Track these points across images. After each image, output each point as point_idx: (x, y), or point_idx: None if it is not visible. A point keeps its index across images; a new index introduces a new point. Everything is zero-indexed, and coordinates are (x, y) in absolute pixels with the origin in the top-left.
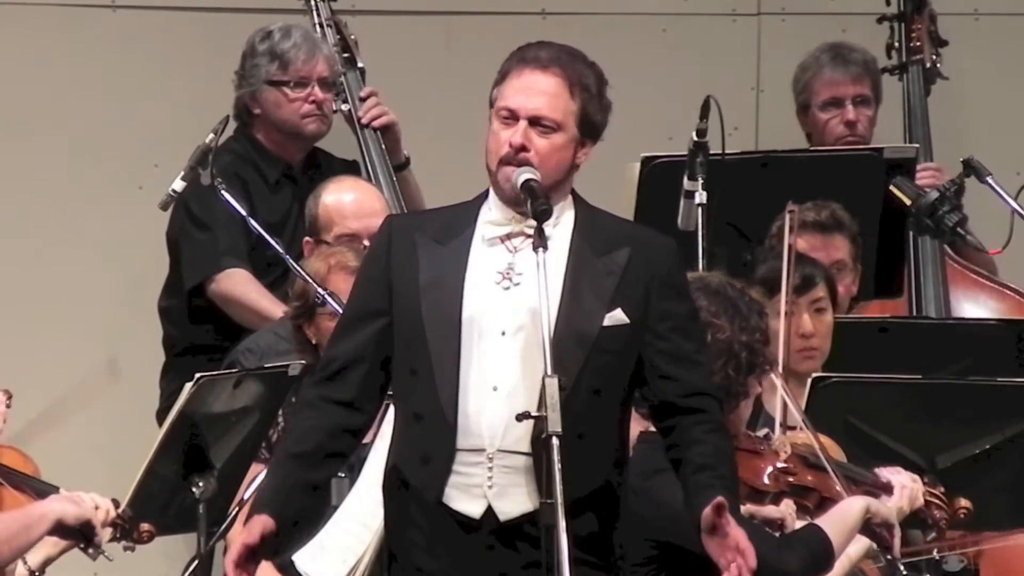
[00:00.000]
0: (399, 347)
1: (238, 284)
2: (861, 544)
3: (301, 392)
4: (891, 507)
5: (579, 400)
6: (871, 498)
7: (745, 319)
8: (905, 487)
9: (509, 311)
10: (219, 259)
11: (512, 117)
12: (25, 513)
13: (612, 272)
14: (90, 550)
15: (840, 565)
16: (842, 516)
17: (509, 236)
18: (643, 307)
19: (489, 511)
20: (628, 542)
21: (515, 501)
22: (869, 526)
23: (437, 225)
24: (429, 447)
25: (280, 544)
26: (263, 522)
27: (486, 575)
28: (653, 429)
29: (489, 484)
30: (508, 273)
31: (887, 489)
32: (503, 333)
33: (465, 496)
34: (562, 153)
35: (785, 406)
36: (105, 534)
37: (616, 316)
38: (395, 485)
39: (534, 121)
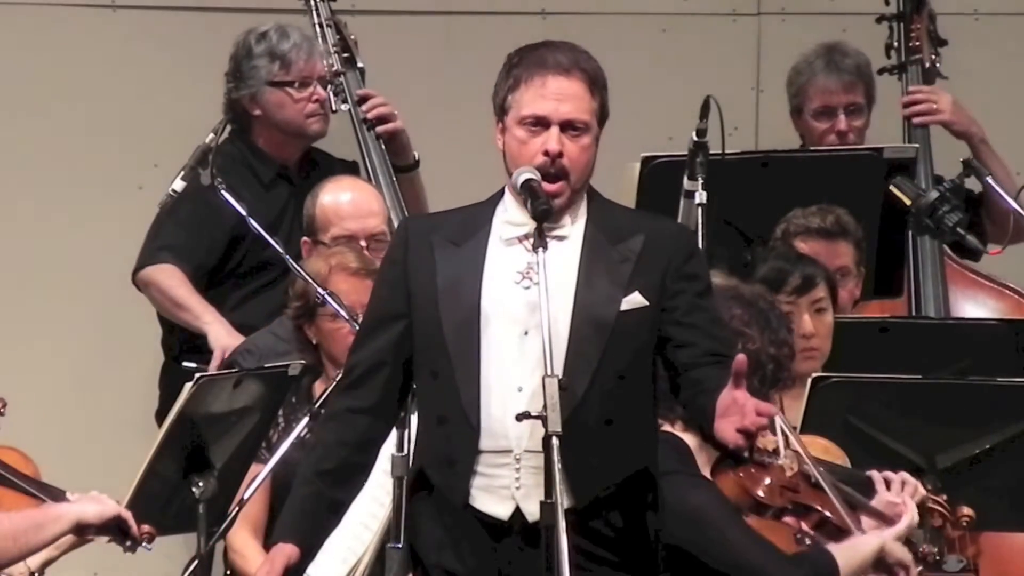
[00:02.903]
0: (419, 350)
1: (160, 273)
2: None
3: (327, 403)
4: (895, 532)
5: (604, 386)
6: (888, 537)
7: (775, 332)
8: (907, 516)
9: (530, 310)
10: (156, 253)
11: (541, 124)
12: (41, 512)
13: (627, 259)
14: (128, 543)
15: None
16: (855, 549)
17: (527, 236)
18: (659, 291)
19: (517, 512)
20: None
21: None
22: (884, 564)
23: (453, 226)
24: (453, 449)
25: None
26: (287, 554)
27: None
28: (667, 428)
29: (517, 485)
30: (528, 273)
31: (889, 521)
32: (525, 333)
33: (492, 498)
34: (590, 152)
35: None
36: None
37: (634, 299)
38: (421, 487)
39: (565, 126)
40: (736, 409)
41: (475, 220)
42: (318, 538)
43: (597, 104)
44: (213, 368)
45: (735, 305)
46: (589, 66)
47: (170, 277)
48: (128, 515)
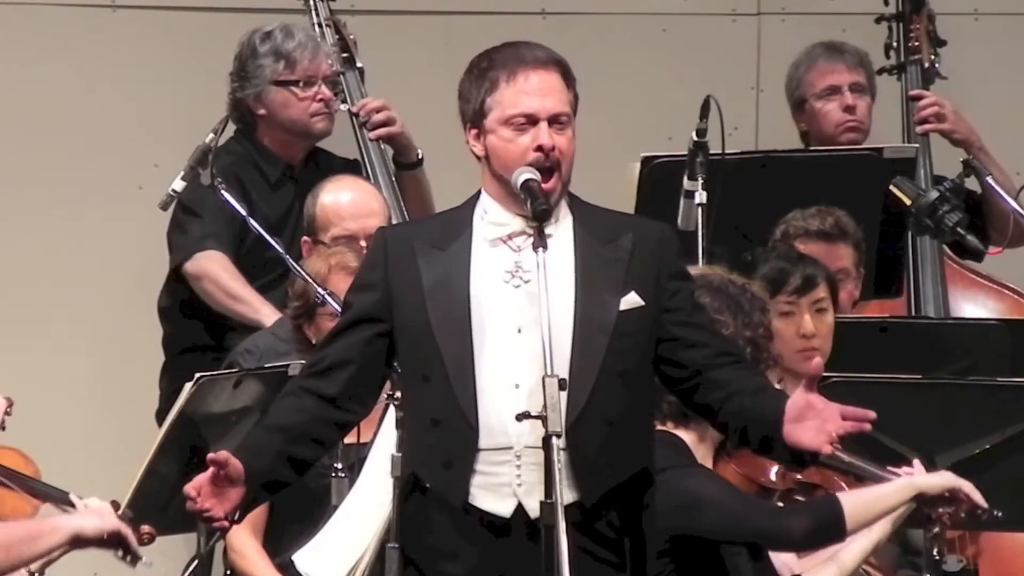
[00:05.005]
0: (406, 355)
1: (212, 262)
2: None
3: (287, 384)
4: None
5: (607, 386)
6: (919, 477)
7: (748, 315)
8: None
9: (523, 308)
10: (201, 241)
11: (530, 121)
12: (36, 523)
13: (619, 258)
14: (127, 558)
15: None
16: (874, 496)
17: (511, 236)
18: (653, 291)
19: (519, 509)
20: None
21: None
22: (934, 501)
23: (433, 231)
24: (450, 451)
25: (248, 503)
26: (229, 456)
27: (517, 573)
28: (659, 426)
29: (518, 483)
30: (516, 271)
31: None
32: (519, 330)
33: (493, 496)
34: (573, 144)
35: None
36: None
37: (631, 299)
38: (413, 491)
39: (552, 120)
40: (815, 414)
41: (455, 224)
42: (264, 473)
43: (572, 96)
44: None
45: (704, 294)
46: (561, 58)
47: (223, 268)
48: (128, 531)
